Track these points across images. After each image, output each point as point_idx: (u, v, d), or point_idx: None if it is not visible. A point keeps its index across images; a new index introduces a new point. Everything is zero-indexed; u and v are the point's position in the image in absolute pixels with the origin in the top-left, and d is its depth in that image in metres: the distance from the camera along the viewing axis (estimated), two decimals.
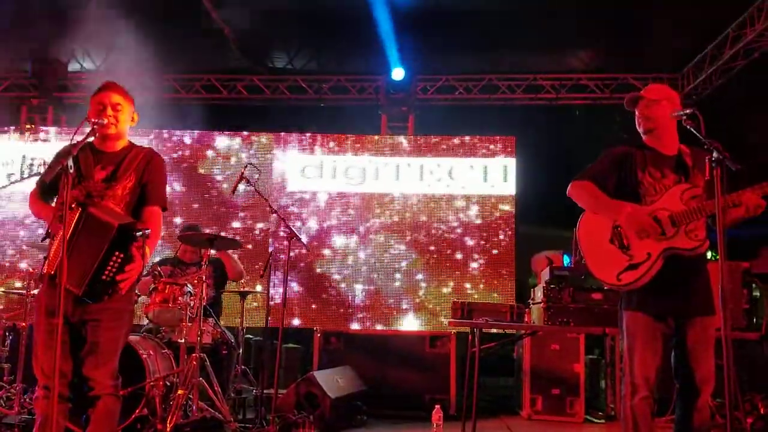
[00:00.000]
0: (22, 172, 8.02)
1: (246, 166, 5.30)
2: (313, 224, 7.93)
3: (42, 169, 3.71)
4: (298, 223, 7.81)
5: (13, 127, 8.30)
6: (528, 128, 8.34)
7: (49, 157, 3.19)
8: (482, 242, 7.76)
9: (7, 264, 7.90)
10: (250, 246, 7.75)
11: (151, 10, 6.55)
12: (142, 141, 6.49)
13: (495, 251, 7.73)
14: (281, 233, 7.67)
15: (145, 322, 4.98)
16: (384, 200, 7.93)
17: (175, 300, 4.69)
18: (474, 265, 7.73)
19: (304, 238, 6.52)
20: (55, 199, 3.14)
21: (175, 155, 8.05)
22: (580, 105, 8.78)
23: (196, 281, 4.65)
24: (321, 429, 4.91)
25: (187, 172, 8.07)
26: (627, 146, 3.26)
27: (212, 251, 4.83)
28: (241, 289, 5.82)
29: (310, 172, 8.06)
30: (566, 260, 6.61)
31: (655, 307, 3.05)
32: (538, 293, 4.55)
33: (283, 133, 8.20)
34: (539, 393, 5.92)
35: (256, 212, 7.91)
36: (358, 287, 7.77)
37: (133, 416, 4.22)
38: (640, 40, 7.68)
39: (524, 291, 7.46)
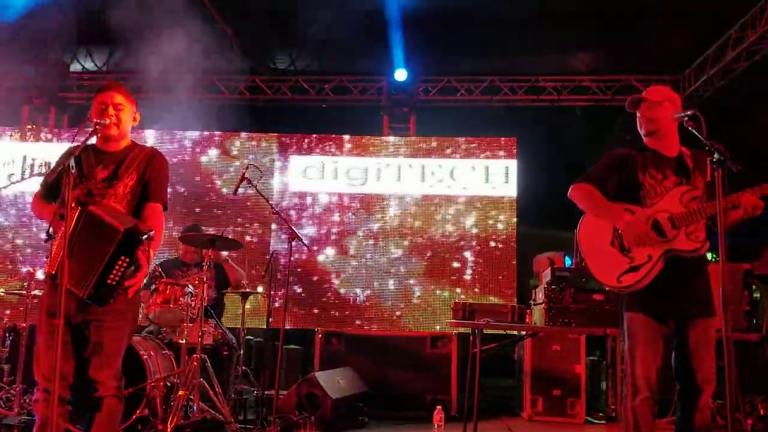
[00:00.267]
0: (23, 173, 8.00)
1: (247, 167, 5.28)
2: (314, 225, 7.93)
3: (43, 170, 3.71)
4: (299, 224, 7.81)
5: (14, 128, 8.30)
6: (529, 130, 8.33)
7: (50, 158, 3.20)
8: (483, 243, 7.76)
9: (9, 266, 7.91)
10: (254, 240, 7.74)
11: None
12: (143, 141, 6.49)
13: (496, 252, 7.73)
14: (282, 234, 7.68)
15: (146, 322, 4.99)
16: (385, 201, 7.94)
17: (176, 301, 4.70)
18: (475, 266, 7.73)
19: (305, 239, 6.51)
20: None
21: (174, 160, 8.02)
22: (582, 106, 8.76)
23: (197, 282, 4.66)
24: (322, 430, 4.91)
25: (187, 173, 8.06)
26: (628, 148, 3.26)
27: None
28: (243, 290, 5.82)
29: (312, 173, 8.06)
30: (568, 261, 6.62)
31: (656, 309, 3.05)
32: (540, 294, 4.55)
33: (284, 134, 8.21)
34: (540, 394, 5.91)
35: (257, 213, 7.92)
36: (359, 288, 7.78)
37: (134, 417, 4.22)
38: (641, 41, 7.66)
39: (525, 292, 7.47)
